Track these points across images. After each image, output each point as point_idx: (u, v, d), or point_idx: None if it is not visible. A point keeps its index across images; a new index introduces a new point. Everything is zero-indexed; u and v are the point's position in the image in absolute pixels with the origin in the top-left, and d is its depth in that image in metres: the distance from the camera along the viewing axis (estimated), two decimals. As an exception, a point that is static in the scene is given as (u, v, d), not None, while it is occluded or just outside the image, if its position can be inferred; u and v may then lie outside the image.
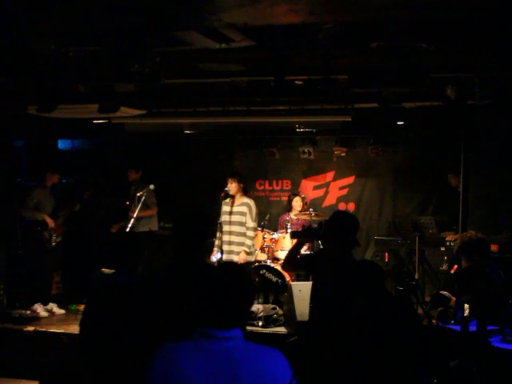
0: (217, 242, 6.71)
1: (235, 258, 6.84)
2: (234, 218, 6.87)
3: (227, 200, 6.96)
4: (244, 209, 6.90)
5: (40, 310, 6.85)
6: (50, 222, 7.04)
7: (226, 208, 6.87)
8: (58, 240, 7.17)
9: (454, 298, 4.72)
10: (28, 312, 6.76)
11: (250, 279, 2.26)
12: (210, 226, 3.61)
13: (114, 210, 8.53)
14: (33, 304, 6.90)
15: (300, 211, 7.78)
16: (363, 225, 8.79)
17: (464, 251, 4.67)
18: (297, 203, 7.85)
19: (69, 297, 7.58)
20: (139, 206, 6.92)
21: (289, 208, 7.98)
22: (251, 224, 6.92)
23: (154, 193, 7.46)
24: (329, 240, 4.17)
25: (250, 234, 6.94)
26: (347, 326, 3.36)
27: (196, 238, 3.48)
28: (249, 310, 2.35)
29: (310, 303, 4.07)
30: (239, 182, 6.92)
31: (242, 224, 6.87)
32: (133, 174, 7.70)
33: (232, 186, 6.85)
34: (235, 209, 6.91)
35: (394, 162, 8.62)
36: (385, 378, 3.32)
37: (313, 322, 3.99)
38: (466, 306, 4.64)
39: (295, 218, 7.82)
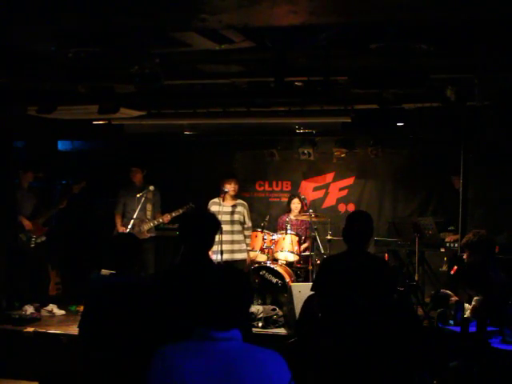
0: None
1: (238, 257, 6.90)
2: (236, 217, 7.00)
3: (218, 200, 7.00)
4: (241, 208, 7.09)
5: (30, 310, 6.83)
6: (27, 224, 6.97)
7: (221, 208, 6.90)
8: (39, 240, 7.06)
9: (453, 298, 4.72)
10: (23, 312, 6.75)
11: (248, 280, 2.27)
12: (218, 228, 3.62)
13: (113, 212, 8.52)
14: (23, 305, 6.89)
15: (299, 212, 7.78)
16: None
17: (472, 247, 4.73)
18: (294, 205, 7.85)
19: (69, 297, 7.58)
20: (139, 207, 6.95)
21: (288, 209, 7.98)
22: (250, 223, 7.09)
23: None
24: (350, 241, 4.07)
25: (249, 233, 7.09)
26: (347, 327, 3.36)
27: (205, 240, 3.49)
28: (247, 311, 2.35)
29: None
30: (238, 183, 7.09)
31: (241, 223, 7.03)
32: (139, 174, 7.51)
33: (236, 187, 7.02)
34: (235, 208, 7.04)
35: (394, 163, 8.62)
36: (385, 379, 3.32)
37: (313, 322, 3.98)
38: (466, 306, 4.65)
39: (294, 219, 7.82)
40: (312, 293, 4.04)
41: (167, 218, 7.18)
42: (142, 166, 7.56)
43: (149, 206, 7.37)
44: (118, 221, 7.28)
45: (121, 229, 7.14)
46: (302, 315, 4.01)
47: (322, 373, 3.32)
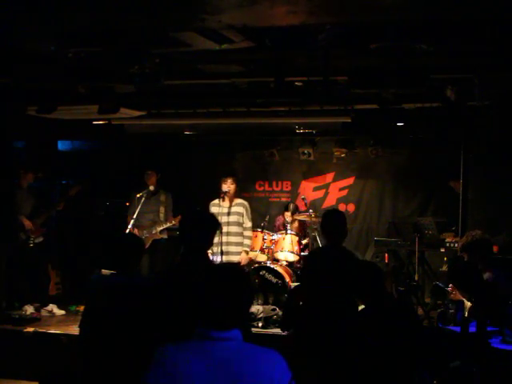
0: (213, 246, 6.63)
1: (233, 259, 6.85)
2: (232, 218, 6.91)
3: (218, 201, 6.97)
4: (240, 209, 6.98)
5: (30, 310, 6.84)
6: (28, 224, 6.97)
7: (220, 209, 6.85)
8: (37, 241, 7.06)
9: (454, 294, 4.71)
10: (23, 312, 6.76)
11: (248, 280, 2.27)
12: (217, 228, 3.62)
13: (113, 211, 8.54)
14: (23, 305, 6.90)
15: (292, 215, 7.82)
16: (363, 226, 8.81)
17: (467, 249, 4.72)
18: (287, 218, 7.88)
19: (69, 297, 7.59)
20: (139, 207, 6.95)
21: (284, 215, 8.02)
22: (249, 224, 7.01)
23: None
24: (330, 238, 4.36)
25: (249, 233, 7.02)
26: (347, 327, 3.36)
27: (204, 240, 3.49)
28: (248, 310, 2.35)
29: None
30: (236, 182, 7.03)
31: (239, 224, 6.94)
32: (154, 177, 7.46)
33: (232, 187, 6.93)
34: (232, 209, 6.96)
35: (394, 163, 8.63)
36: (385, 379, 3.32)
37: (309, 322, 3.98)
38: (468, 304, 4.64)
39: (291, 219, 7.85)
40: (296, 285, 4.12)
41: (179, 219, 7.18)
42: (157, 169, 7.57)
43: (162, 209, 7.43)
44: (130, 222, 7.25)
45: (134, 230, 7.13)
46: (287, 307, 4.08)
47: (320, 373, 3.32)
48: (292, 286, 6.18)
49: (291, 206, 7.92)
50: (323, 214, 4.66)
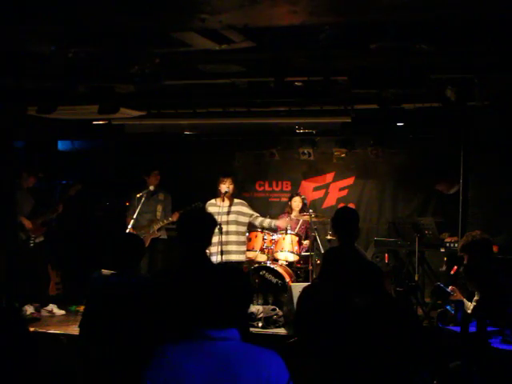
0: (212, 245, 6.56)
1: (234, 258, 6.87)
2: (231, 217, 6.95)
3: (214, 201, 6.99)
4: (240, 208, 7.04)
5: (30, 310, 6.84)
6: (27, 224, 7.00)
7: (220, 209, 6.87)
8: (38, 240, 7.08)
9: (456, 295, 4.70)
10: (23, 312, 6.75)
11: (247, 279, 2.27)
12: (215, 227, 3.62)
13: (113, 212, 8.54)
14: (23, 305, 6.90)
15: (300, 212, 7.77)
16: (363, 226, 8.79)
17: (467, 249, 4.70)
18: (296, 203, 7.84)
19: (69, 297, 7.59)
20: (139, 207, 6.95)
21: (288, 209, 7.97)
22: (255, 213, 7.12)
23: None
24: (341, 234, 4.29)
25: (261, 218, 7.23)
26: (346, 327, 3.36)
27: (202, 239, 3.49)
28: (246, 310, 2.35)
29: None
30: (235, 183, 7.08)
31: (238, 223, 7.00)
32: (158, 177, 7.52)
33: (231, 187, 6.97)
34: (232, 208, 7.00)
35: (394, 163, 8.62)
36: (384, 379, 3.32)
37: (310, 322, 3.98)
38: (469, 304, 4.64)
39: (294, 218, 7.82)
40: (305, 286, 4.06)
41: (176, 216, 7.16)
42: (158, 170, 7.57)
43: (159, 207, 7.45)
44: (130, 222, 7.25)
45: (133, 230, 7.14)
46: (300, 309, 4.03)
47: (319, 373, 3.32)
48: (293, 287, 6.16)
49: (298, 195, 7.95)
50: (335, 211, 4.46)
